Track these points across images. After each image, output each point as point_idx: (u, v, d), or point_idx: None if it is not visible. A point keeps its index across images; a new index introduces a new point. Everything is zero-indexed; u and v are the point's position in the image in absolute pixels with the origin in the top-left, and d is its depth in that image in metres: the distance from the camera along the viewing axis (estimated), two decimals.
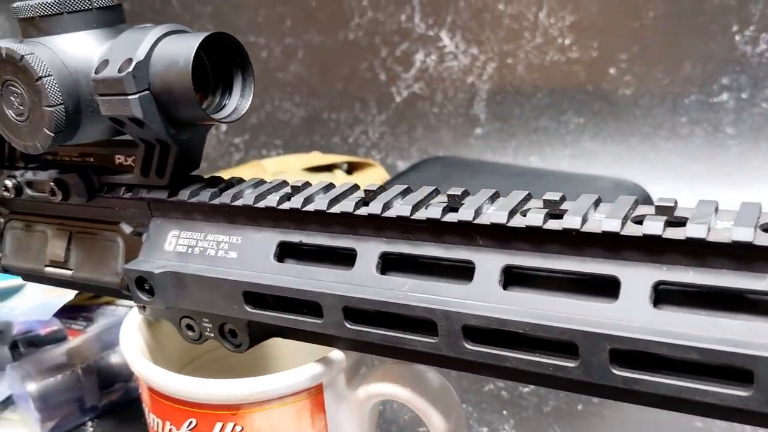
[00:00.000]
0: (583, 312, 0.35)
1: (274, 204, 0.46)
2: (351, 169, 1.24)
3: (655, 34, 1.03)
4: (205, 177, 0.53)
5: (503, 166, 1.03)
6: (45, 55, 0.47)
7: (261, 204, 0.47)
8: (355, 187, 0.46)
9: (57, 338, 0.86)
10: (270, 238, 0.47)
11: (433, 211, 0.40)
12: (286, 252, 0.47)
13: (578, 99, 1.09)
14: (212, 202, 0.49)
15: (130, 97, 0.45)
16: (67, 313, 0.94)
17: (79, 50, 0.48)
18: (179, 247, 0.50)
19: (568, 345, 0.36)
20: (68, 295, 0.90)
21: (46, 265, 0.58)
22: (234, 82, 0.48)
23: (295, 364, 0.49)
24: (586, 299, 0.36)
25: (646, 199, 0.95)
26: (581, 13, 1.07)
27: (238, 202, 0.47)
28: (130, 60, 0.45)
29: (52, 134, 0.47)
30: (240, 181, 0.51)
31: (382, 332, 0.42)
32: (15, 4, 0.49)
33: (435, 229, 0.41)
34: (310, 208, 0.45)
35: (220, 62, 0.48)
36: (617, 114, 1.05)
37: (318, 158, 1.25)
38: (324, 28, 1.27)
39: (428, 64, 1.18)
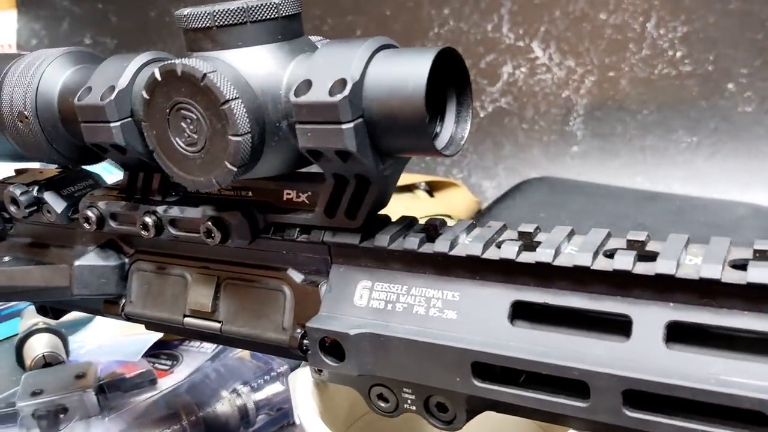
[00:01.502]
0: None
1: (512, 256, 0.38)
2: (431, 189, 1.16)
3: None
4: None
5: (626, 190, 0.95)
6: (229, 73, 0.39)
7: (492, 255, 0.38)
8: (608, 236, 0.38)
9: (146, 381, 0.78)
10: (501, 296, 0.39)
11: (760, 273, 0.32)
12: (519, 313, 0.39)
13: (691, 116, 1.01)
14: (422, 250, 0.40)
15: (343, 126, 0.37)
16: (146, 350, 0.86)
17: (263, 67, 0.40)
18: (374, 302, 0.42)
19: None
20: (155, 334, 0.82)
21: (186, 316, 0.50)
22: (447, 106, 0.40)
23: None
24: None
25: None
26: (695, 24, 0.99)
27: (459, 252, 0.39)
28: (343, 81, 0.37)
29: (236, 168, 0.39)
30: (442, 223, 0.43)
31: (682, 424, 0.34)
32: (181, 11, 0.41)
33: (750, 295, 0.33)
34: (564, 262, 0.37)
35: (435, 82, 0.39)
36: (736, 133, 0.98)
37: None
38: (399, 38, 1.19)
39: (517, 76, 1.11)
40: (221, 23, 0.39)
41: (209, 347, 0.86)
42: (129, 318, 0.53)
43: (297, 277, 0.46)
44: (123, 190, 0.51)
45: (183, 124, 0.40)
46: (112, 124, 0.45)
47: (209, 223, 0.45)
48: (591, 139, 1.08)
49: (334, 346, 0.42)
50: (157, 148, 0.42)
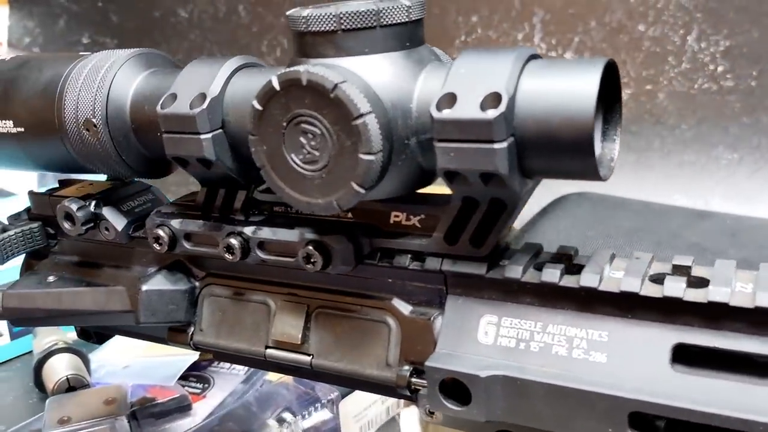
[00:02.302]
0: None
1: (678, 294, 0.34)
2: None
3: None
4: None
5: (672, 207, 0.92)
6: (360, 84, 0.34)
7: (652, 292, 0.34)
8: None
9: (180, 407, 0.73)
10: (660, 338, 0.35)
11: None
12: (678, 356, 0.35)
13: (732, 132, 0.99)
14: (564, 283, 0.36)
15: (496, 145, 0.33)
16: None
17: (393, 78, 0.36)
18: (503, 339, 0.38)
19: None
20: (191, 354, 0.77)
21: (269, 347, 0.45)
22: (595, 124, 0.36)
23: None
24: None
25: None
26: (738, 39, 0.97)
27: (610, 287, 0.35)
28: (496, 95, 0.33)
29: (363, 190, 0.35)
30: (575, 252, 0.39)
31: None
32: (298, 12, 0.36)
33: None
34: (741, 303, 0.33)
35: None
36: None
37: None
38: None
39: None
40: (348, 26, 0.35)
41: (241, 369, 0.81)
42: (198, 348, 0.48)
43: (404, 308, 0.41)
44: (198, 208, 0.47)
45: (302, 139, 0.36)
46: (202, 136, 0.40)
47: (310, 247, 0.41)
48: (626, 153, 1.05)
49: (456, 388, 0.38)
50: (267, 166, 0.37)
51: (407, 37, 0.37)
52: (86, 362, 0.79)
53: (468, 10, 1.15)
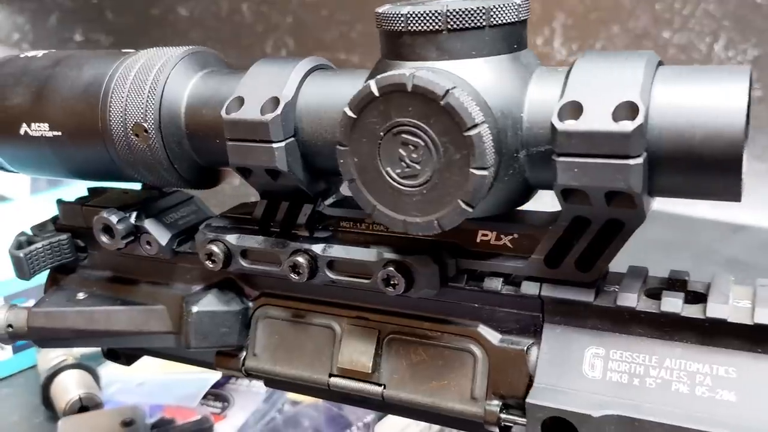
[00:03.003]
0: None
1: None
2: None
3: None
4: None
5: (704, 220, 0.89)
6: (471, 91, 0.31)
7: None
8: None
9: (202, 429, 0.68)
10: None
11: None
12: None
13: (760, 143, 0.96)
14: (687, 314, 0.33)
15: (631, 161, 0.29)
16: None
17: (502, 84, 0.32)
18: (613, 374, 0.34)
19: None
20: (210, 372, 0.72)
21: (334, 375, 0.41)
22: None
23: None
24: None
25: None
26: (767, 47, 0.95)
27: (742, 319, 0.32)
28: (630, 105, 0.29)
29: (471, 209, 0.31)
30: (688, 275, 0.36)
31: None
32: (395, 9, 0.33)
33: None
34: None
35: None
36: None
37: None
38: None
39: None
40: (455, 26, 0.32)
41: (259, 387, 0.77)
42: (250, 374, 0.44)
43: (491, 335, 0.38)
44: (254, 221, 0.43)
45: (401, 151, 0.32)
46: (275, 145, 0.36)
47: (390, 268, 0.37)
48: None
49: (559, 427, 0.34)
50: (357, 180, 0.33)
51: (515, 38, 0.33)
52: (97, 379, 0.74)
53: None
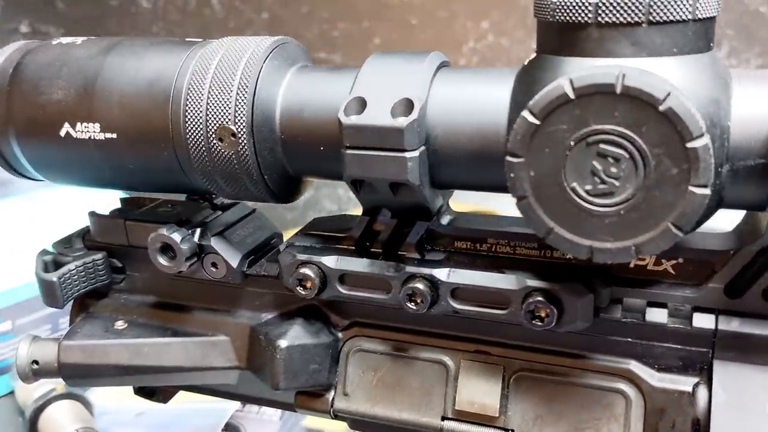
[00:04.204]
0: None
1: None
2: None
3: None
4: None
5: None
6: (679, 94, 0.26)
7: None
8: None
9: None
10: None
11: None
12: None
13: None
14: None
15: None
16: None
17: (705, 86, 0.28)
18: None
19: None
20: (221, 402, 0.65)
21: (448, 419, 0.36)
22: None
23: None
24: None
25: None
26: None
27: None
28: None
29: (681, 233, 0.26)
30: None
31: None
32: None
33: None
34: None
35: None
36: None
37: None
38: (426, 50, 1.06)
39: None
40: (658, 18, 0.27)
41: (275, 413, 0.70)
42: (340, 416, 0.38)
43: (646, 374, 0.33)
44: (349, 241, 0.37)
45: (596, 164, 0.27)
46: (408, 154, 0.31)
47: (539, 298, 0.32)
48: None
49: None
50: (531, 197, 0.28)
51: (712, 34, 0.29)
52: (90, 409, 0.66)
53: (478, 14, 1.08)
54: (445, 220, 0.36)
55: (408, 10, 1.14)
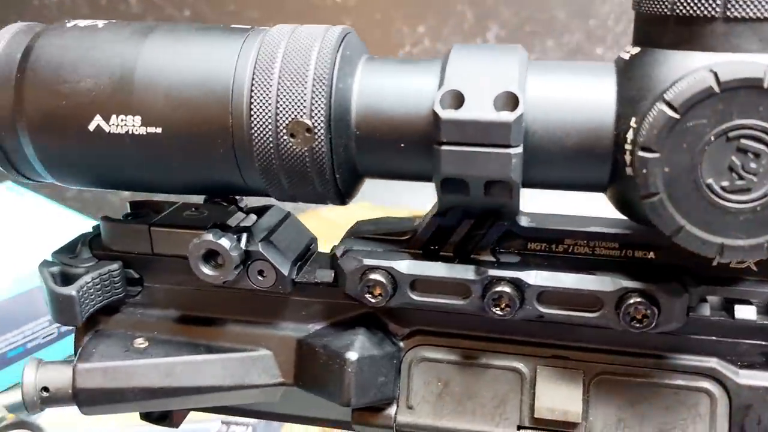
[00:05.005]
0: None
1: None
2: None
3: None
4: None
5: None
6: None
7: None
8: None
9: None
10: None
11: None
12: None
13: None
14: None
15: None
16: None
17: None
18: None
19: None
20: (211, 424, 0.60)
21: (524, 428, 0.35)
22: None
23: None
24: None
25: None
26: None
27: None
28: None
29: None
30: None
31: None
32: None
33: None
34: None
35: None
36: None
37: (371, 210, 1.03)
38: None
39: None
40: None
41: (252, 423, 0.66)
42: (403, 431, 0.36)
43: (730, 371, 0.33)
44: (413, 243, 0.35)
45: (735, 159, 0.26)
46: (512, 150, 0.29)
47: (638, 299, 0.31)
48: None
49: None
50: (663, 194, 0.27)
51: None
52: None
53: (415, 18, 1.08)
54: (524, 221, 0.34)
55: (342, 12, 1.12)
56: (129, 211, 0.40)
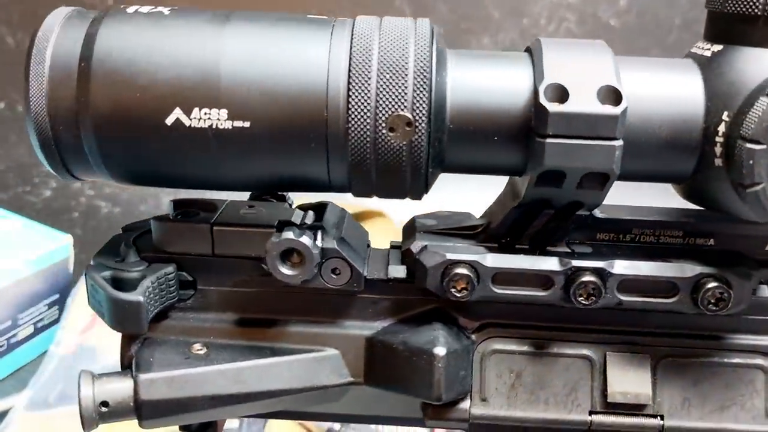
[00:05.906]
0: None
1: None
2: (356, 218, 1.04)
3: None
4: None
5: None
6: None
7: None
8: None
9: None
10: None
11: None
12: None
13: None
14: None
15: None
16: None
17: None
18: None
19: None
20: None
21: (596, 412, 0.36)
22: None
23: None
24: None
25: None
26: None
27: None
28: None
29: None
30: None
31: None
32: None
33: None
34: None
35: None
36: None
37: None
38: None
39: None
40: None
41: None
42: (477, 425, 0.36)
43: None
44: (486, 236, 0.35)
45: None
46: (616, 143, 0.30)
47: (715, 284, 0.33)
48: None
49: None
50: (767, 182, 0.29)
51: None
52: None
53: (353, 12, 1.07)
54: (599, 212, 0.36)
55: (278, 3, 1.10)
56: (173, 209, 0.37)
